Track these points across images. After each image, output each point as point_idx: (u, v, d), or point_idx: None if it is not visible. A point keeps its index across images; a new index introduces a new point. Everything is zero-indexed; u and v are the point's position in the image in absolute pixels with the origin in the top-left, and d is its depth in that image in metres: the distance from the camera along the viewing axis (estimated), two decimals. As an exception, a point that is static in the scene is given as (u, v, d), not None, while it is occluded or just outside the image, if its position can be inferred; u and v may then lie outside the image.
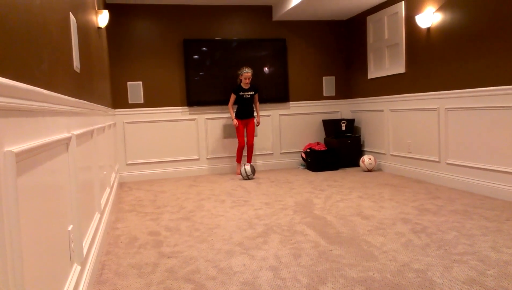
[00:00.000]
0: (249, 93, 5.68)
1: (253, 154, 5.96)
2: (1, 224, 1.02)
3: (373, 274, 2.24)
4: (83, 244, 2.09)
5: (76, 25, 2.53)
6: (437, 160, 4.64)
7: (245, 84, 5.63)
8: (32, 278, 1.25)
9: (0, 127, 1.06)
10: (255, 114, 5.82)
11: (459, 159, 4.33)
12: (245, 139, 5.83)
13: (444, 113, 4.48)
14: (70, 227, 1.82)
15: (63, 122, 1.87)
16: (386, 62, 5.54)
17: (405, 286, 2.07)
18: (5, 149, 1.07)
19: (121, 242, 2.98)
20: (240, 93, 5.64)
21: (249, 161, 5.81)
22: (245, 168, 5.40)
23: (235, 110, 5.73)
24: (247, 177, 5.41)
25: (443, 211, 3.44)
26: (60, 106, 1.80)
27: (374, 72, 5.85)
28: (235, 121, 5.64)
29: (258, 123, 5.79)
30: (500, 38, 3.76)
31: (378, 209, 3.59)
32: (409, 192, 4.24)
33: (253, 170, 5.45)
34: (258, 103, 5.83)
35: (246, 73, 5.57)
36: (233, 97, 5.67)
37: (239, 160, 5.82)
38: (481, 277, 2.14)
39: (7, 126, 1.11)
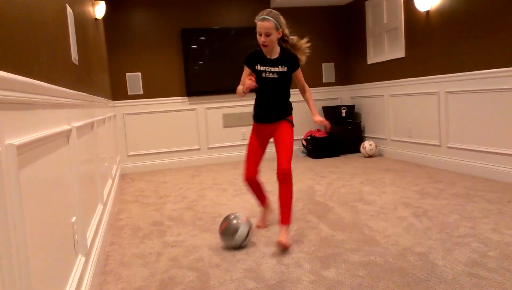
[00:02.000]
0: (276, 69, 2.61)
1: (290, 197, 2.54)
2: (5, 217, 1.03)
3: (376, 258, 2.26)
4: (87, 235, 2.10)
5: (73, 17, 2.52)
6: (438, 144, 4.64)
7: (265, 48, 2.57)
8: (38, 270, 1.26)
9: (1, 120, 1.06)
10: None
11: (459, 142, 4.33)
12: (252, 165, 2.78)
13: (444, 97, 4.46)
14: (73, 219, 1.83)
15: (63, 114, 1.87)
16: (386, 47, 5.51)
17: (407, 269, 2.09)
18: (6, 142, 1.08)
19: (124, 233, 3.00)
20: (257, 68, 2.63)
21: (284, 220, 2.53)
22: (241, 229, 2.50)
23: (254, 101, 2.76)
24: (236, 244, 2.52)
25: (444, 195, 3.45)
26: (60, 99, 1.80)
27: (373, 57, 5.83)
28: (240, 88, 2.61)
29: (321, 122, 2.74)
30: (500, 20, 3.73)
31: (380, 194, 3.61)
32: (410, 177, 4.25)
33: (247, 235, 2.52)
34: (306, 91, 2.91)
35: (261, 22, 2.50)
36: (245, 73, 2.69)
37: (262, 200, 2.91)
38: (482, 258, 2.16)
39: (7, 119, 1.12)
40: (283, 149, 2.60)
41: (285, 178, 2.51)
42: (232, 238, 2.48)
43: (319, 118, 2.72)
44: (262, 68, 2.62)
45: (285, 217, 2.53)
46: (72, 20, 2.47)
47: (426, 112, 4.80)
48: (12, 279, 1.04)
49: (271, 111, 2.69)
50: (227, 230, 2.51)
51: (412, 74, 5.02)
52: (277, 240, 2.47)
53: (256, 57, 2.63)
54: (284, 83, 2.70)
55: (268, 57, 2.62)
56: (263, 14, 2.53)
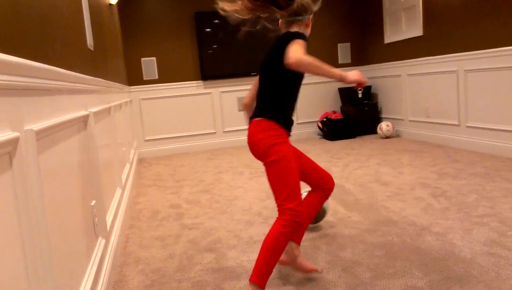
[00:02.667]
0: None
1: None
2: (26, 201, 1.05)
3: (392, 238, 2.26)
4: (107, 219, 2.15)
5: (87, 2, 2.53)
6: (457, 123, 4.56)
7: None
8: (59, 252, 1.30)
9: (20, 106, 1.09)
10: None
11: (479, 121, 4.25)
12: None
13: (463, 75, 4.37)
14: (93, 203, 1.87)
15: (80, 100, 1.89)
16: (403, 26, 5.40)
17: (425, 249, 2.08)
18: (25, 128, 1.10)
19: (143, 216, 3.05)
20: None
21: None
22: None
23: (279, 107, 1.78)
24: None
25: (463, 175, 3.41)
26: (77, 84, 1.82)
27: (390, 36, 5.72)
28: (351, 75, 1.79)
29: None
30: (521, -6, 3.61)
31: (397, 175, 3.58)
32: (428, 157, 4.21)
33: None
34: None
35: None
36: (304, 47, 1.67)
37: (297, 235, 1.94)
38: (501, 238, 2.14)
39: (26, 105, 1.14)
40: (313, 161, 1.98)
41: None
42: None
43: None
44: None
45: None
46: (86, 6, 2.48)
47: (444, 91, 4.71)
48: (35, 261, 1.07)
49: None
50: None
51: (430, 53, 4.92)
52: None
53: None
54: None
55: None
56: None
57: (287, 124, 1.79)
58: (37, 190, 1.11)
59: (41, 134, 1.19)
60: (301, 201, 1.70)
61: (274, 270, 1.72)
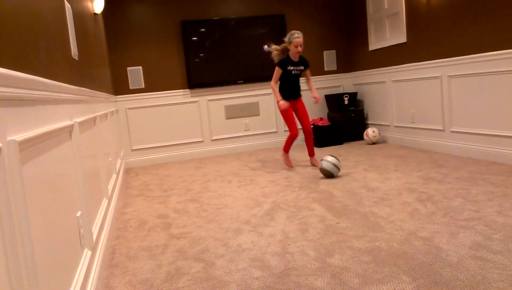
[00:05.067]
0: (299, 68, 4.46)
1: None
2: (9, 213, 1.04)
3: (380, 244, 2.27)
4: (93, 230, 2.12)
5: (71, 12, 2.52)
6: (441, 128, 4.62)
7: (295, 54, 4.37)
8: (44, 265, 1.28)
9: (3, 116, 1.07)
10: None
11: (463, 126, 4.31)
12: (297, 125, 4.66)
13: (447, 81, 4.44)
14: (78, 213, 1.85)
15: (64, 110, 1.88)
16: (387, 32, 5.48)
17: (412, 254, 2.10)
18: (8, 138, 1.08)
19: (130, 226, 3.02)
20: (288, 68, 4.41)
21: (311, 153, 4.57)
22: (329, 161, 3.90)
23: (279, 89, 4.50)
24: (331, 173, 3.90)
25: (448, 179, 3.45)
26: (61, 94, 1.81)
27: (375, 43, 5.79)
28: (283, 103, 4.38)
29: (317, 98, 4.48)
30: (501, 2, 3.69)
31: (384, 181, 3.61)
32: (414, 162, 4.25)
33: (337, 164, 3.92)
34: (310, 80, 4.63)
35: (297, 38, 4.28)
36: (278, 72, 4.42)
37: (287, 149, 4.58)
38: (487, 241, 2.16)
39: (9, 115, 1.12)
40: (305, 115, 4.63)
41: (309, 132, 4.57)
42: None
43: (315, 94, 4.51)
44: (292, 68, 4.44)
45: (313, 151, 4.61)
46: (70, 15, 2.47)
47: (429, 97, 4.78)
48: (19, 274, 1.05)
49: (293, 93, 4.58)
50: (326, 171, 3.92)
51: (414, 59, 4.99)
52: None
53: (287, 61, 4.42)
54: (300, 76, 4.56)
55: (295, 60, 4.46)
56: (298, 33, 4.32)
57: (284, 96, 4.52)
58: (20, 201, 1.10)
59: (24, 144, 1.18)
60: (291, 130, 4.55)
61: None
